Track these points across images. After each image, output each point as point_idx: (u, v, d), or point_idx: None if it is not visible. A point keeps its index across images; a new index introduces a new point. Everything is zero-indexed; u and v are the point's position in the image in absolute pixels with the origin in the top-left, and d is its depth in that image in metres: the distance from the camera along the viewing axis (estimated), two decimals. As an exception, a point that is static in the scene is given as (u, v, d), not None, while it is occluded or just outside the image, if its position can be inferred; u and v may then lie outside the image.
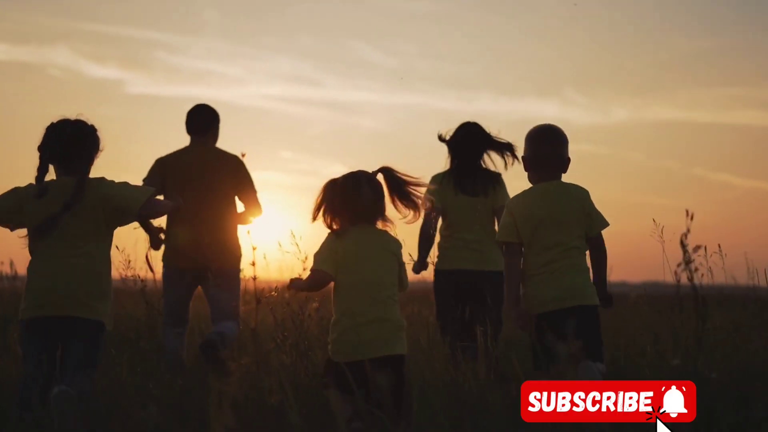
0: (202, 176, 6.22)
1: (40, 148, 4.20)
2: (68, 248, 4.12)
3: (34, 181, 4.20)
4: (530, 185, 4.43)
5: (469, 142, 5.89)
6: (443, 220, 5.87)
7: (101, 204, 4.17)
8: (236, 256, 6.29)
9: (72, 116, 4.27)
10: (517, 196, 4.40)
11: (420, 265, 5.88)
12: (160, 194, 5.78)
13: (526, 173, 4.47)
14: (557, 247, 4.22)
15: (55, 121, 4.25)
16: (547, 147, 4.31)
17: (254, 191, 6.30)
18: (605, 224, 4.32)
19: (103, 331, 4.13)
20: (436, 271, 5.87)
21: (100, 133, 4.29)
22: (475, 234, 5.77)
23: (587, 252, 4.34)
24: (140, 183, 6.11)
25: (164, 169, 6.22)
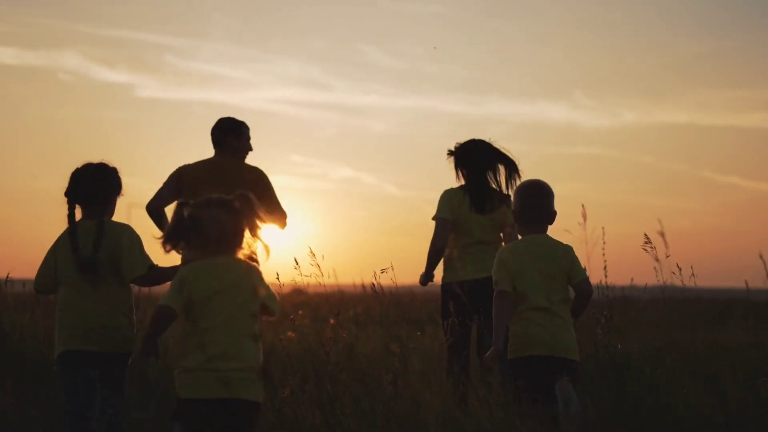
0: (221, 187, 6.23)
1: (66, 194, 4.51)
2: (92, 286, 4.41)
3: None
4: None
5: (478, 159, 5.99)
6: (453, 234, 5.91)
7: (116, 251, 4.42)
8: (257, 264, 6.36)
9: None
10: (507, 248, 4.70)
11: (427, 277, 5.94)
12: (173, 202, 5.82)
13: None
14: (547, 299, 4.44)
15: (79, 166, 4.55)
16: (533, 201, 4.60)
17: (277, 203, 6.30)
18: (584, 274, 4.58)
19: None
20: (444, 283, 5.89)
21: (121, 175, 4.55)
22: (483, 247, 5.85)
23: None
24: (155, 186, 6.25)
25: (182, 177, 6.25)
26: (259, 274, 3.77)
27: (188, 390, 3.61)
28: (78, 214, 4.51)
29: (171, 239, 3.71)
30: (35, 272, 4.52)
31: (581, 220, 5.16)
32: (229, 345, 3.61)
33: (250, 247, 3.74)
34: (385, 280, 5.35)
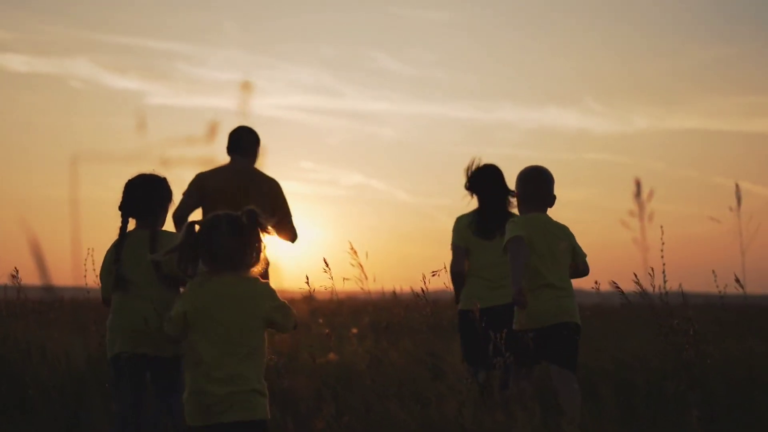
0: (238, 195, 6.20)
1: (120, 208, 4.62)
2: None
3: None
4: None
5: (487, 185, 6.00)
6: (467, 260, 5.94)
7: (169, 260, 4.31)
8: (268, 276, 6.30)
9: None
10: (518, 219, 4.90)
11: (458, 299, 5.96)
12: (196, 209, 6.19)
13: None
14: (554, 273, 4.77)
15: (131, 177, 4.66)
16: (532, 186, 4.90)
17: (290, 216, 6.34)
18: (584, 255, 4.92)
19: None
20: (459, 312, 5.91)
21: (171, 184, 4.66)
22: (494, 273, 5.81)
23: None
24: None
25: (203, 184, 6.28)
26: (268, 290, 3.74)
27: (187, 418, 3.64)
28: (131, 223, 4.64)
29: (185, 260, 3.71)
30: (43, 279, 4.32)
31: (734, 204, 4.71)
32: (223, 363, 3.57)
33: (264, 262, 3.72)
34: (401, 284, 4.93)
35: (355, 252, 4.41)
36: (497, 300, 5.69)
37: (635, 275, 5.24)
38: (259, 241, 3.72)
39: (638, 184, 3.61)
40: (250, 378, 3.59)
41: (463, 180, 6.05)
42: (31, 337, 6.74)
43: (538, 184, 4.91)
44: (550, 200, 4.91)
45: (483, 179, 6.00)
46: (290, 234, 6.33)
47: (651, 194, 3.62)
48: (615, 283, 5.13)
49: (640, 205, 3.66)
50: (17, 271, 5.76)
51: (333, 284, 4.23)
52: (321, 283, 4.41)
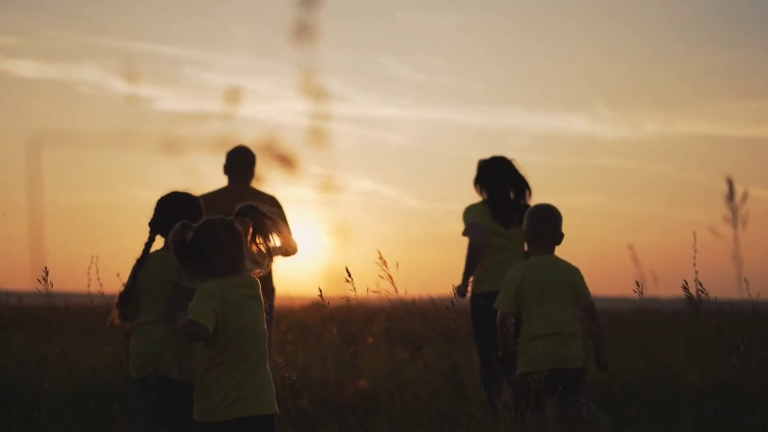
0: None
1: (150, 224, 4.54)
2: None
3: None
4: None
5: (500, 176, 6.17)
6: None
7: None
8: (273, 292, 6.41)
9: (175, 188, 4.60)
10: (517, 268, 4.97)
11: (464, 288, 6.02)
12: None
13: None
14: (556, 318, 4.80)
15: (163, 195, 4.61)
16: (543, 225, 4.96)
17: (290, 231, 6.32)
18: (589, 297, 4.92)
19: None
20: (474, 295, 6.04)
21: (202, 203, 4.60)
22: (507, 257, 5.99)
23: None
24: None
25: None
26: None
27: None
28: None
29: (183, 264, 3.71)
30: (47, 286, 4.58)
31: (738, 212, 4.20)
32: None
33: (260, 265, 3.71)
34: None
35: (385, 263, 4.13)
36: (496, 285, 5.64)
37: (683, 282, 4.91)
38: (257, 241, 3.72)
39: (730, 184, 3.07)
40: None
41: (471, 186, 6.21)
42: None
43: (547, 223, 5.01)
44: (559, 238, 5.02)
45: (491, 170, 6.16)
46: (292, 246, 6.33)
47: (745, 196, 3.08)
48: (688, 286, 4.92)
49: (733, 209, 3.08)
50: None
51: (356, 295, 3.95)
52: (340, 293, 4.15)
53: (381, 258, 4.13)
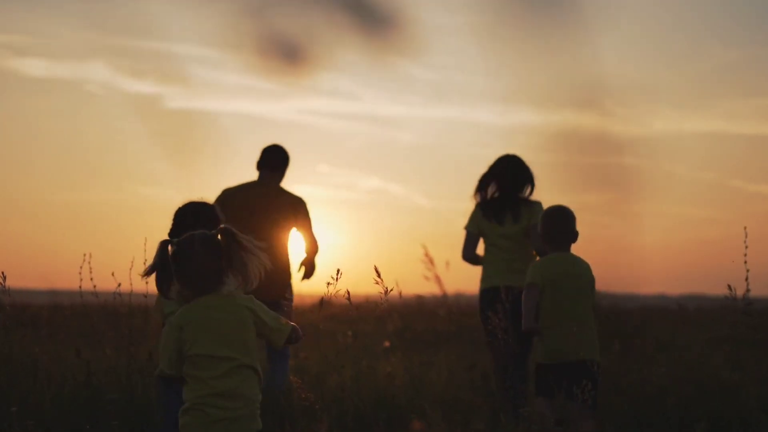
0: (265, 210, 6.49)
1: (169, 236, 4.39)
2: None
3: None
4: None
5: (506, 172, 6.32)
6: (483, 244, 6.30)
7: None
8: (290, 286, 6.59)
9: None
10: (541, 261, 5.19)
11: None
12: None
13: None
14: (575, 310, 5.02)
15: (181, 205, 4.58)
16: (556, 226, 5.18)
17: (312, 231, 6.61)
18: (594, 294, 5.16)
19: None
20: (481, 292, 6.19)
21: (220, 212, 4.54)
22: (508, 254, 6.17)
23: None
24: (182, 196, 5.99)
25: (226, 200, 6.46)
26: (251, 304, 3.59)
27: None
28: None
29: (162, 281, 3.59)
30: (57, 284, 4.37)
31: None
32: (221, 383, 3.48)
33: (252, 280, 3.58)
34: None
35: (432, 261, 3.75)
36: (516, 281, 5.88)
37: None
38: (241, 259, 3.57)
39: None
40: (245, 393, 3.52)
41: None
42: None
43: (563, 223, 5.21)
44: (573, 237, 5.21)
45: (499, 167, 6.32)
46: (314, 245, 6.58)
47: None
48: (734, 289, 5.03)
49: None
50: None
51: (385, 298, 3.54)
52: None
53: (427, 255, 3.74)
